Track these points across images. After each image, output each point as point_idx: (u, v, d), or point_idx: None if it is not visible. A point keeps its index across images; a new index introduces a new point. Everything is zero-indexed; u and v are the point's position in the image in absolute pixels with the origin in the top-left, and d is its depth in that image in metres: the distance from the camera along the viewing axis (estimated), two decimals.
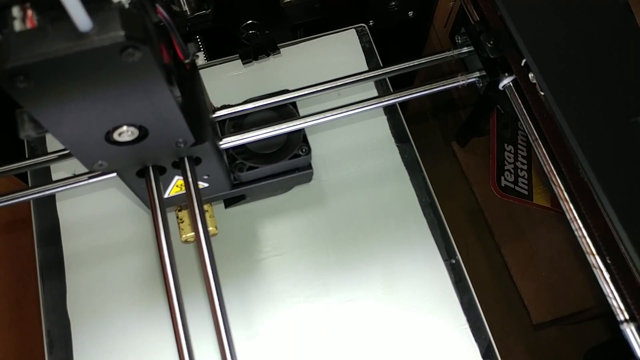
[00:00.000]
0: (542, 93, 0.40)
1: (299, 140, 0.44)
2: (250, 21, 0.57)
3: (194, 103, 0.36)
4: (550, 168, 0.40)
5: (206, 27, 0.59)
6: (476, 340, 0.45)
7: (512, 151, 0.83)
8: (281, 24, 0.60)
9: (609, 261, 0.34)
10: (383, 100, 0.42)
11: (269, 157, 0.44)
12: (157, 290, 0.46)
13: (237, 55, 0.56)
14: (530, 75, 0.40)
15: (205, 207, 0.46)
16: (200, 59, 0.57)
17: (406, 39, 0.69)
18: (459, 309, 0.46)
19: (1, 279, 0.65)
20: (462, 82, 0.43)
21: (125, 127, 0.29)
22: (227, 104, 0.42)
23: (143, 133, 0.30)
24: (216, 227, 0.45)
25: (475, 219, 0.78)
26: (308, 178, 0.48)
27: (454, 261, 0.47)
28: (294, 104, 0.45)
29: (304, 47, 0.56)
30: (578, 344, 0.72)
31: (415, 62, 0.44)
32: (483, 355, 0.44)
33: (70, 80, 0.22)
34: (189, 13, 0.59)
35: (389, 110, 0.53)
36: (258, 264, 0.47)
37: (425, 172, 0.50)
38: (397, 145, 0.52)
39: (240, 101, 0.44)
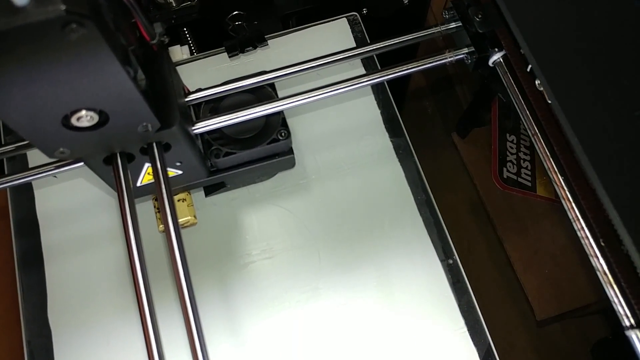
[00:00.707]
0: (538, 82, 0.37)
1: (277, 124, 0.42)
2: (237, 12, 0.54)
3: (160, 85, 0.34)
4: (546, 154, 0.37)
5: (192, 19, 0.56)
6: (475, 344, 0.43)
7: (515, 141, 0.80)
8: (270, 14, 0.58)
9: (614, 267, 0.32)
10: (369, 78, 0.40)
11: (247, 142, 0.42)
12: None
13: (221, 49, 0.54)
14: (537, 82, 0.37)
15: (183, 195, 0.44)
16: (187, 53, 0.55)
17: (402, 27, 0.67)
18: (457, 311, 0.44)
19: None
20: (449, 59, 0.41)
21: (84, 112, 0.27)
22: (202, 87, 0.40)
23: (103, 118, 0.28)
24: (195, 217, 0.43)
25: (477, 213, 0.75)
26: (290, 164, 0.46)
27: (451, 261, 0.45)
28: (272, 86, 0.43)
29: (293, 37, 0.54)
30: (582, 338, 0.70)
31: (401, 38, 0.42)
32: (482, 358, 0.42)
33: (10, 60, 0.21)
34: (174, 5, 0.57)
35: (382, 100, 0.51)
36: (245, 268, 0.45)
37: (421, 168, 0.48)
38: (392, 140, 0.49)
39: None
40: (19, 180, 0.39)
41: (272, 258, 0.46)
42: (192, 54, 0.56)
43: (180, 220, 0.44)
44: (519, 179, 0.77)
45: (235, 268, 0.45)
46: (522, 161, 0.79)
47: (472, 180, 0.76)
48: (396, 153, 0.49)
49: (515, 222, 0.73)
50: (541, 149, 0.37)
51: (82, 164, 0.36)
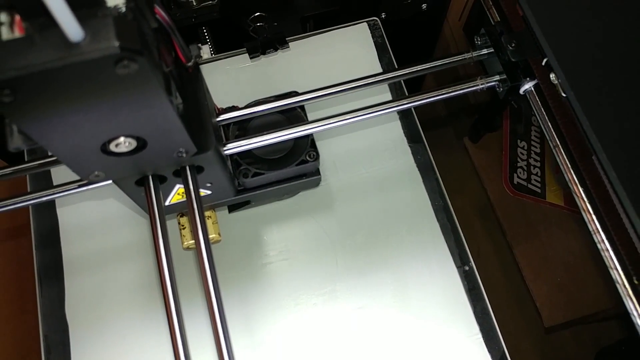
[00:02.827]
0: (564, 94, 0.38)
1: (306, 145, 0.42)
2: (258, 13, 0.55)
3: (196, 109, 0.34)
4: (572, 177, 0.38)
5: (212, 19, 0.57)
6: (489, 350, 0.43)
7: (525, 147, 0.80)
8: (290, 15, 0.58)
9: (635, 281, 0.32)
10: (397, 105, 0.40)
11: (275, 163, 0.42)
12: (157, 298, 0.45)
13: (242, 50, 0.54)
14: (552, 75, 0.38)
15: (208, 213, 0.44)
16: (207, 52, 0.55)
17: (419, 32, 0.67)
18: (472, 318, 0.44)
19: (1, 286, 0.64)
20: (481, 86, 0.41)
21: (122, 139, 0.27)
22: (233, 105, 0.40)
23: (141, 144, 0.28)
24: (219, 234, 0.44)
25: (487, 217, 0.76)
26: (315, 184, 0.46)
27: (467, 268, 0.46)
28: (302, 107, 0.43)
29: (314, 41, 0.54)
30: (590, 346, 0.71)
31: (432, 64, 0.42)
32: None
33: (60, 93, 0.21)
34: (194, 4, 0.57)
35: (403, 114, 0.51)
36: (263, 270, 0.46)
37: (439, 175, 0.48)
38: (410, 146, 0.49)
39: (247, 98, 0.42)
40: (42, 198, 0.39)
41: (289, 260, 0.46)
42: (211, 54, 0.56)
43: None
44: (529, 185, 0.77)
45: (253, 270, 0.46)
46: (532, 167, 0.79)
47: (483, 185, 0.76)
48: (414, 159, 0.49)
49: (524, 228, 0.73)
50: (564, 165, 0.38)
51: (107, 182, 0.36)
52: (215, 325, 0.32)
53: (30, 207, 0.49)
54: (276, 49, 0.53)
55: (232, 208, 0.47)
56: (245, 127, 0.42)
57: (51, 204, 0.49)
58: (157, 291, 0.45)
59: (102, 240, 0.47)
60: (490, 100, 0.72)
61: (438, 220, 0.47)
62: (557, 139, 0.38)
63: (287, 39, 0.53)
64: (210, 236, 0.44)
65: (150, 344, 0.43)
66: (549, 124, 0.38)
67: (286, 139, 0.40)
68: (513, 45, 0.38)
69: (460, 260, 0.46)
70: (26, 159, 0.50)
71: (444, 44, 0.63)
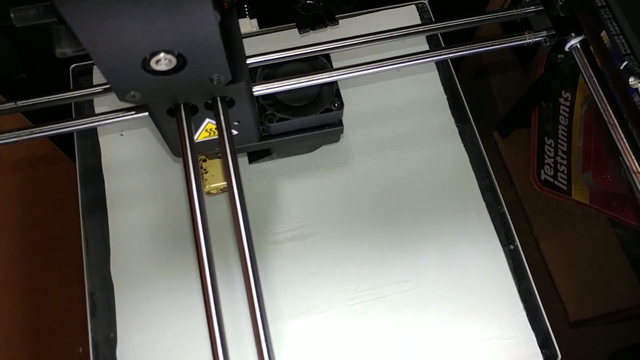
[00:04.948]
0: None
1: (331, 94, 0.43)
2: None
3: (232, 39, 0.34)
4: (619, 134, 0.38)
5: None
6: (533, 329, 0.43)
7: (553, 145, 0.81)
8: None
9: None
10: (435, 54, 0.41)
11: (300, 110, 0.43)
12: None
13: (290, 24, 0.54)
14: (631, 79, 0.38)
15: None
16: (255, 26, 0.55)
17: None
18: (517, 296, 0.44)
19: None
20: (528, 40, 0.41)
21: (162, 55, 0.28)
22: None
23: (181, 63, 0.29)
24: None
25: (513, 211, 0.76)
26: (336, 137, 0.47)
27: (512, 247, 0.46)
28: (327, 57, 0.44)
29: (362, 20, 0.55)
30: (612, 344, 0.71)
31: (478, 18, 0.43)
32: (540, 345, 0.43)
33: None
34: None
35: (450, 94, 0.51)
36: (288, 235, 0.46)
37: (486, 156, 0.49)
38: (457, 126, 0.50)
39: None
40: (85, 125, 0.40)
41: (308, 231, 0.46)
42: None
43: (225, 183, 0.44)
44: (556, 182, 0.78)
45: (286, 240, 0.46)
46: (559, 165, 0.79)
47: (511, 179, 0.76)
48: (461, 138, 0.49)
49: (550, 223, 0.73)
50: (619, 138, 0.38)
51: (144, 114, 0.37)
52: (246, 270, 0.31)
53: (75, 139, 0.50)
54: (325, 25, 0.53)
55: (252, 158, 0.48)
56: (272, 74, 0.43)
57: (94, 138, 0.49)
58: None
59: (143, 178, 0.48)
60: (524, 96, 0.73)
61: (485, 199, 0.47)
62: (603, 95, 0.38)
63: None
64: None
65: (195, 304, 0.43)
66: (595, 79, 0.39)
67: (311, 85, 0.40)
68: (562, 0, 0.39)
69: (506, 239, 0.46)
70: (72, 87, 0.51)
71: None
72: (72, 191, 0.79)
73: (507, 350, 0.42)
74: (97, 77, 0.52)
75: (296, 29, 0.54)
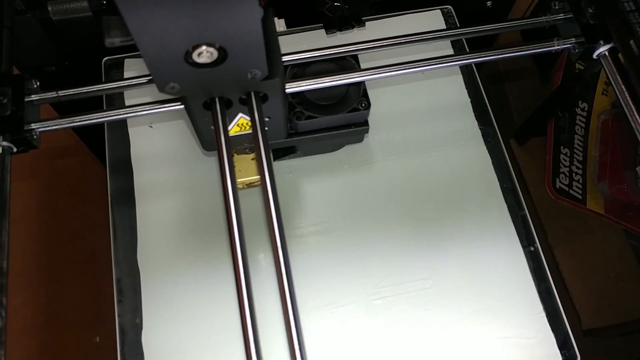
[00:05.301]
0: None
1: (358, 94, 0.44)
2: None
3: (269, 36, 0.35)
4: None
5: None
6: (553, 330, 0.44)
7: (568, 154, 0.81)
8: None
9: None
10: (462, 58, 0.42)
11: (327, 109, 0.44)
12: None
13: (317, 25, 0.55)
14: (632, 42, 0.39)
15: (255, 155, 0.45)
16: (283, 26, 0.56)
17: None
18: (536, 296, 0.45)
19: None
20: (557, 47, 0.42)
21: (204, 47, 0.29)
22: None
23: (221, 57, 0.30)
24: None
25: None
26: (361, 136, 0.48)
27: (532, 249, 0.46)
28: (355, 58, 0.45)
29: (388, 22, 0.56)
30: (627, 353, 0.71)
31: (506, 24, 0.44)
32: (560, 346, 0.43)
33: None
34: None
35: (473, 97, 0.52)
36: (317, 231, 0.47)
37: (508, 159, 0.49)
38: (480, 129, 0.51)
39: None
40: (124, 115, 0.41)
41: (341, 229, 0.47)
42: None
43: (251, 178, 0.45)
44: (571, 191, 0.78)
45: (309, 234, 0.47)
46: (574, 174, 0.80)
47: (527, 186, 0.77)
48: (485, 141, 0.50)
49: (565, 231, 0.74)
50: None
51: (179, 107, 0.38)
52: (278, 264, 0.32)
53: (105, 130, 0.51)
54: (352, 27, 0.55)
55: (277, 155, 0.49)
56: (300, 73, 0.44)
57: (124, 130, 0.51)
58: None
59: (173, 172, 0.49)
60: (543, 104, 0.74)
61: (506, 201, 0.48)
62: (631, 103, 0.39)
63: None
64: (256, 177, 0.45)
65: (220, 292, 0.44)
66: (623, 87, 0.39)
67: (340, 86, 0.42)
68: (592, 8, 0.40)
69: (527, 241, 0.47)
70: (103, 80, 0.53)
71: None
72: (91, 185, 0.80)
73: (526, 350, 0.43)
74: (129, 70, 0.54)
75: (323, 30, 0.55)
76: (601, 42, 0.41)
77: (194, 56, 0.29)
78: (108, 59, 0.54)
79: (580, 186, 0.79)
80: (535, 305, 0.44)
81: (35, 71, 0.62)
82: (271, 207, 0.33)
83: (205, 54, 0.29)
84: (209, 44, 0.29)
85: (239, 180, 0.46)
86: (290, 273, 0.32)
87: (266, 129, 0.40)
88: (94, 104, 0.54)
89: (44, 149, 0.41)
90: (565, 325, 0.44)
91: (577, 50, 0.43)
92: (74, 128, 0.41)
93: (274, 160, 0.50)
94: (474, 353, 0.43)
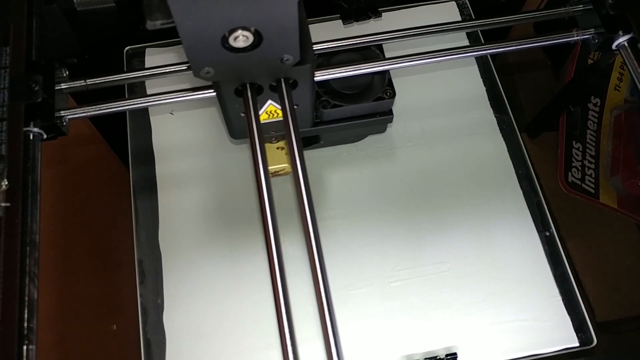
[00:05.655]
0: None
1: (383, 83, 0.44)
2: None
3: (302, 22, 0.36)
4: None
5: None
6: (569, 313, 0.44)
7: (580, 149, 0.82)
8: None
9: None
10: (481, 49, 0.43)
11: (353, 98, 0.44)
12: (249, 227, 0.47)
13: (333, 16, 0.56)
14: None
15: (282, 144, 0.46)
16: None
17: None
18: (552, 281, 0.45)
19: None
20: (576, 37, 0.43)
21: (240, 31, 0.29)
22: None
23: (256, 41, 0.30)
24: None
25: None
26: (384, 126, 0.49)
27: (548, 234, 0.47)
28: (380, 48, 0.46)
29: (404, 13, 0.57)
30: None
31: (524, 15, 0.45)
32: (576, 330, 0.43)
33: None
34: None
35: (489, 86, 0.53)
36: (336, 215, 0.47)
37: (523, 145, 0.50)
38: (496, 117, 0.51)
39: None
40: (142, 104, 0.41)
41: (348, 213, 0.48)
42: None
43: (278, 166, 0.46)
44: (583, 185, 0.78)
45: (328, 217, 0.48)
46: (586, 169, 0.80)
47: (538, 180, 0.77)
48: (500, 128, 0.51)
49: (578, 225, 0.74)
50: None
51: (195, 96, 0.39)
52: (311, 249, 0.33)
53: (127, 120, 0.52)
54: (369, 17, 0.55)
55: (305, 144, 0.49)
56: (326, 63, 0.44)
57: (147, 124, 0.51)
58: (248, 219, 0.47)
59: (195, 161, 0.50)
60: (554, 98, 0.74)
61: (521, 187, 0.48)
62: None
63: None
64: (282, 165, 0.46)
65: (240, 273, 0.45)
66: None
67: (365, 75, 0.43)
68: None
69: (542, 226, 0.47)
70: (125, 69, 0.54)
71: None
72: (107, 176, 0.81)
73: (542, 333, 0.43)
74: (149, 59, 0.55)
75: (339, 21, 0.56)
76: (620, 32, 0.41)
77: (231, 40, 0.30)
78: (130, 48, 0.55)
79: (592, 180, 0.79)
80: (552, 289, 0.45)
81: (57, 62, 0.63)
82: (302, 192, 0.34)
83: (241, 38, 0.30)
84: (245, 28, 0.29)
85: (270, 167, 0.46)
86: (322, 256, 0.32)
87: None
88: (113, 93, 0.55)
89: (60, 139, 0.42)
90: (581, 309, 0.44)
91: (596, 40, 0.43)
92: (101, 116, 0.42)
93: None
94: (490, 335, 0.43)
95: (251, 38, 0.30)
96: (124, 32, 0.56)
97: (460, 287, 0.45)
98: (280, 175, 0.47)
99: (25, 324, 0.33)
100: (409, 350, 0.43)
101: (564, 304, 0.44)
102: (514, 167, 0.49)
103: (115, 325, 0.70)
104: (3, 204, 0.33)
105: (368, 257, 0.46)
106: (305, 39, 0.35)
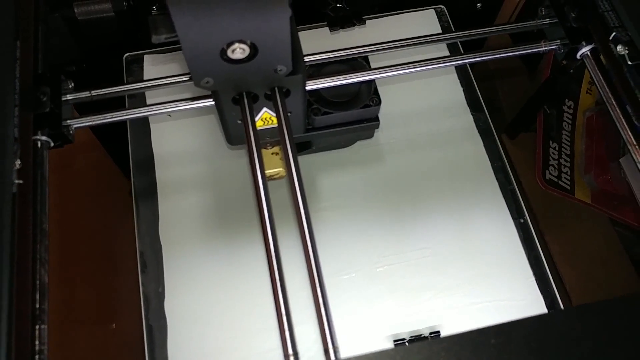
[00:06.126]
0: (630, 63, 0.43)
1: (369, 91, 0.48)
2: None
3: (293, 35, 0.38)
4: (629, 138, 0.43)
5: None
6: (542, 292, 0.48)
7: (557, 148, 0.86)
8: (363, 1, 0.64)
9: None
10: (459, 59, 0.46)
11: (342, 105, 0.48)
12: (246, 222, 0.50)
13: (320, 24, 0.60)
14: (619, 47, 0.43)
15: (276, 149, 0.49)
16: None
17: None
18: (526, 263, 0.49)
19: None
20: (544, 48, 0.47)
21: (237, 44, 0.32)
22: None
23: (252, 53, 0.34)
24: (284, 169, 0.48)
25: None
26: (371, 132, 0.52)
27: (522, 220, 0.51)
28: (366, 59, 0.49)
29: (386, 20, 0.61)
30: None
31: (497, 28, 0.49)
32: (548, 307, 0.47)
33: None
34: None
35: (466, 87, 0.57)
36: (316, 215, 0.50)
37: (498, 139, 0.54)
38: (472, 114, 0.55)
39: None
40: (144, 113, 0.45)
41: (341, 207, 0.51)
42: None
43: (274, 170, 0.49)
44: (560, 182, 0.83)
45: (318, 210, 0.51)
46: (562, 167, 0.84)
47: (518, 177, 0.81)
48: (476, 125, 0.55)
49: (555, 219, 0.78)
50: (628, 137, 0.43)
51: (194, 105, 0.43)
52: (306, 249, 0.36)
53: (128, 129, 0.55)
54: (354, 25, 0.59)
55: (298, 149, 0.52)
56: (316, 73, 0.48)
57: (147, 130, 0.54)
58: (242, 216, 0.50)
59: (194, 168, 0.53)
60: (529, 101, 0.79)
61: (497, 178, 0.52)
62: (612, 98, 0.44)
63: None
64: (277, 170, 0.49)
65: (238, 265, 0.48)
66: (604, 83, 0.44)
67: (353, 82, 0.46)
68: (575, 12, 0.45)
69: (517, 213, 0.51)
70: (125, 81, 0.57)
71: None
72: (105, 184, 0.83)
73: (518, 311, 0.47)
74: (148, 65, 0.58)
75: (326, 28, 0.60)
76: (583, 43, 0.45)
77: (229, 52, 0.33)
78: (129, 55, 0.58)
79: (568, 177, 0.84)
80: (526, 271, 0.48)
81: (56, 70, 0.66)
82: (297, 188, 0.37)
83: (238, 51, 0.33)
84: (241, 41, 0.32)
85: (265, 171, 0.48)
86: (315, 246, 0.36)
87: None
88: (112, 100, 0.58)
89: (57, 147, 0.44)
90: (553, 288, 0.48)
91: (562, 50, 0.47)
92: (106, 124, 0.45)
93: None
94: (470, 314, 0.46)
95: (247, 50, 0.33)
96: (122, 40, 0.60)
97: (442, 271, 0.48)
98: (275, 179, 0.50)
99: (38, 305, 0.36)
100: (395, 329, 0.46)
101: (538, 285, 0.48)
102: (490, 160, 0.53)
103: (114, 324, 0.72)
104: (16, 181, 0.36)
105: (356, 246, 0.49)
106: (296, 51, 0.38)
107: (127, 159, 0.66)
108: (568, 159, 0.86)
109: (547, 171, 0.83)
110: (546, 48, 0.47)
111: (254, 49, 0.33)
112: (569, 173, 0.84)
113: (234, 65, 0.34)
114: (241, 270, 0.48)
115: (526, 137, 0.85)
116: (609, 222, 0.81)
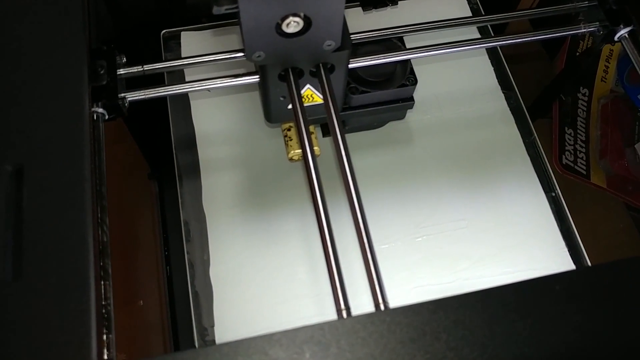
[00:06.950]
0: None
1: (405, 71, 0.49)
2: None
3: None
4: None
5: None
6: (574, 262, 0.49)
7: (572, 134, 0.88)
8: None
9: None
10: (492, 41, 0.48)
11: (378, 85, 0.49)
12: (286, 189, 0.51)
13: (353, 4, 0.61)
14: None
15: (312, 128, 0.49)
16: None
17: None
18: (559, 235, 0.50)
19: None
20: (583, 30, 0.48)
21: (291, 18, 0.34)
22: None
23: (305, 27, 0.35)
24: (319, 148, 0.49)
25: None
26: (404, 113, 0.53)
27: (554, 194, 0.52)
28: (401, 40, 0.50)
29: (417, 2, 0.62)
30: None
31: (534, 10, 0.50)
32: None
33: None
34: None
35: (496, 67, 0.59)
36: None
37: (528, 116, 0.56)
38: (504, 92, 0.57)
39: None
40: (177, 90, 0.45)
41: (386, 180, 0.52)
42: None
43: None
44: (576, 167, 0.85)
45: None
46: (578, 152, 0.86)
47: None
48: (507, 103, 0.56)
49: (572, 202, 0.80)
50: None
51: (230, 83, 0.43)
52: (354, 207, 0.36)
53: (169, 108, 0.56)
54: (386, 5, 0.61)
55: (326, 132, 0.54)
56: (354, 53, 0.48)
57: (187, 109, 0.55)
58: (280, 189, 0.51)
59: (235, 146, 0.54)
60: (546, 87, 0.81)
61: (529, 153, 0.54)
62: None
63: None
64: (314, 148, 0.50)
65: (285, 228, 0.49)
66: None
67: (389, 64, 0.47)
68: None
69: (549, 187, 0.52)
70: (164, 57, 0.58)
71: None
72: (125, 164, 0.84)
73: None
74: (185, 42, 0.59)
75: (359, 8, 0.61)
76: (622, 25, 0.46)
77: (283, 26, 0.34)
78: (166, 31, 0.59)
79: (584, 163, 0.86)
80: (559, 242, 0.50)
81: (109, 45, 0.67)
82: (345, 163, 0.38)
83: (292, 24, 0.34)
84: (296, 14, 0.34)
85: (296, 151, 0.49)
86: (364, 213, 0.36)
87: (323, 102, 0.45)
88: (150, 77, 0.59)
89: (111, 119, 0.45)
90: (585, 258, 0.50)
91: (600, 32, 0.48)
92: (159, 98, 0.45)
93: (323, 136, 0.54)
94: (505, 280, 0.48)
95: (301, 24, 0.34)
96: (160, 17, 0.61)
97: (478, 240, 0.50)
98: None
99: (101, 263, 0.37)
100: (433, 296, 0.47)
101: (570, 254, 0.50)
102: (521, 135, 0.55)
103: (142, 301, 0.73)
104: None
105: (394, 218, 0.51)
106: (345, 27, 0.39)
107: (150, 139, 0.67)
108: (584, 145, 0.88)
109: (563, 156, 0.85)
110: (586, 30, 0.48)
111: (307, 23, 0.35)
112: (584, 158, 0.86)
113: (286, 40, 0.36)
114: (280, 240, 0.49)
115: (542, 123, 0.87)
116: (623, 207, 0.83)
